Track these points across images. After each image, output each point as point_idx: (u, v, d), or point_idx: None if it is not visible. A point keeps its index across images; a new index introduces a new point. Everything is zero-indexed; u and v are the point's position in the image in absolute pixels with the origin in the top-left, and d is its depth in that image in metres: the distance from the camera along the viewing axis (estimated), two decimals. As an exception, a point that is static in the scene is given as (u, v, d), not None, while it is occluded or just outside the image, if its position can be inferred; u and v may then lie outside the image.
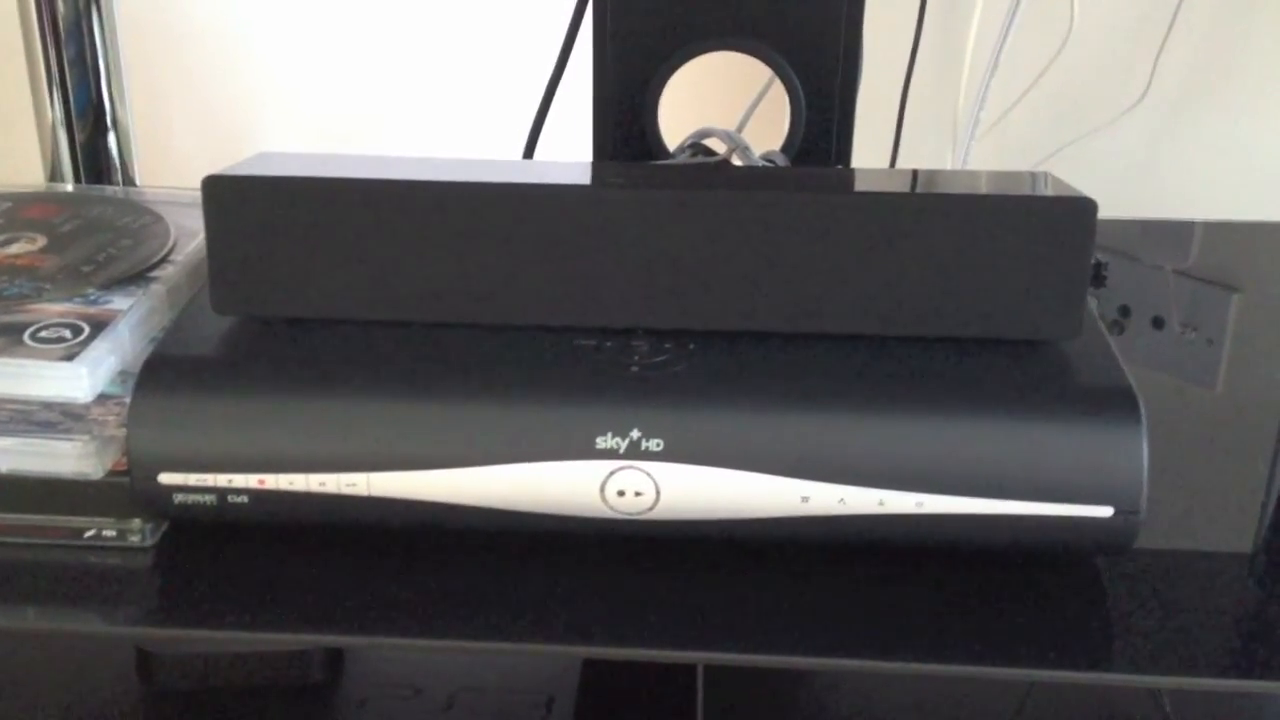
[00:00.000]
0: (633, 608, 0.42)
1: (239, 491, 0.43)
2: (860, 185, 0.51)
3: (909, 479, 0.42)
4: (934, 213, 0.45)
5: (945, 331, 0.45)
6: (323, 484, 0.43)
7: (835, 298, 0.45)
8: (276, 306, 0.47)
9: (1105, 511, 0.42)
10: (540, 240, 0.45)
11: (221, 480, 0.43)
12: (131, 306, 0.52)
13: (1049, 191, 0.47)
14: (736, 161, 0.55)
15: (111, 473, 0.46)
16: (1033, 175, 0.51)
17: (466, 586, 0.43)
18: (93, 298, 0.53)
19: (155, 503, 0.44)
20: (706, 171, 0.53)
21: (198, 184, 0.45)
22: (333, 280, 0.46)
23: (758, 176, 0.52)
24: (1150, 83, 0.92)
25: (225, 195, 0.45)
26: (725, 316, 0.46)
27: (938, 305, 0.45)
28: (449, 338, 0.46)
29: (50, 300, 0.53)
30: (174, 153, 0.98)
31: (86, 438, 0.46)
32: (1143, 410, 0.42)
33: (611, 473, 0.42)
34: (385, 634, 0.41)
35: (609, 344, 0.45)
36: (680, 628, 0.41)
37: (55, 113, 0.77)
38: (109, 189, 0.72)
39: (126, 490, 0.44)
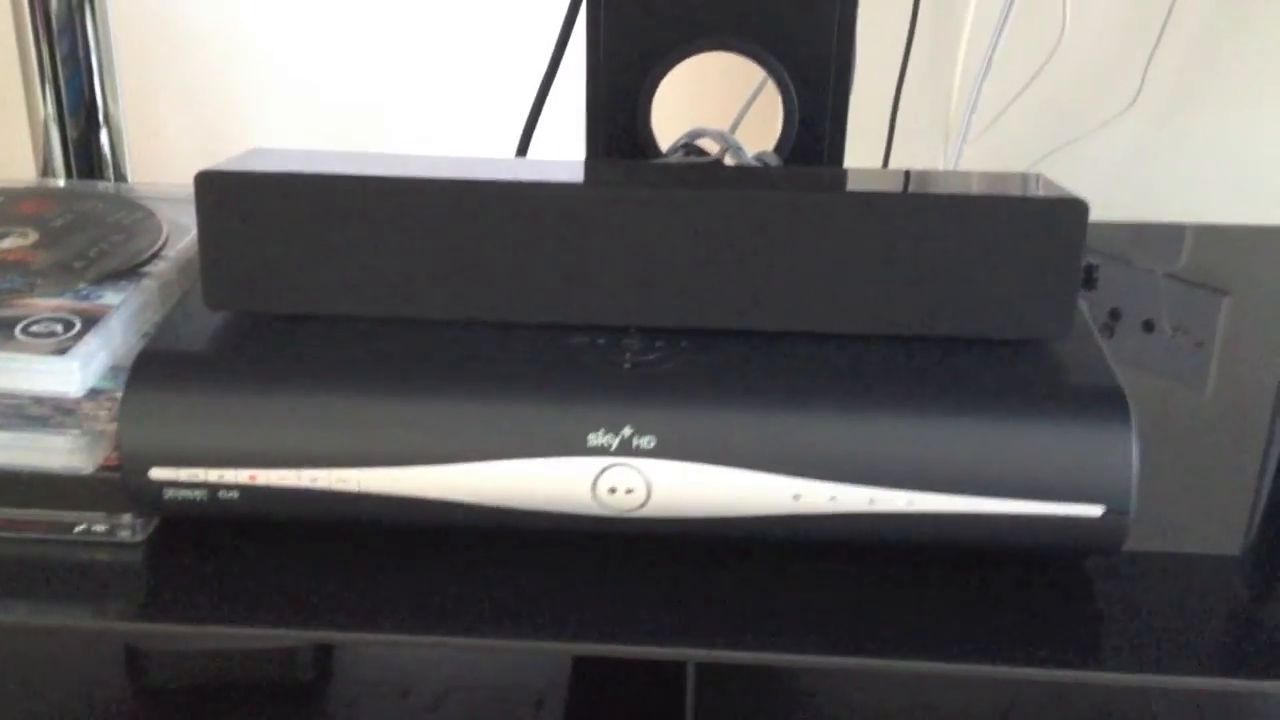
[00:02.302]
0: (623, 605, 0.42)
1: (229, 487, 0.43)
2: (852, 185, 0.51)
3: (900, 477, 0.42)
4: (926, 212, 0.45)
5: (936, 331, 0.46)
6: (313, 480, 0.43)
7: (826, 297, 0.45)
8: (268, 302, 0.47)
9: (1095, 511, 0.42)
10: (533, 238, 0.45)
11: (212, 475, 0.43)
12: (123, 301, 0.52)
13: (1040, 192, 0.47)
14: (729, 161, 0.55)
15: (102, 468, 0.46)
16: (1024, 176, 0.51)
17: (456, 583, 0.43)
18: (84, 293, 0.53)
19: (146, 498, 0.44)
20: (699, 171, 0.53)
21: (189, 180, 0.45)
22: (324, 276, 0.46)
23: (750, 176, 0.52)
24: (1142, 87, 0.92)
25: (218, 190, 0.45)
26: (717, 315, 0.46)
27: (929, 304, 0.45)
28: (441, 334, 0.46)
29: (42, 295, 0.53)
30: (166, 149, 0.98)
31: (77, 432, 0.46)
32: (1132, 409, 0.42)
33: (603, 470, 0.42)
34: (374, 630, 0.41)
35: (601, 341, 0.45)
36: (670, 625, 0.41)
37: (48, 109, 0.77)
38: (101, 184, 0.72)
39: (117, 485, 0.44)
